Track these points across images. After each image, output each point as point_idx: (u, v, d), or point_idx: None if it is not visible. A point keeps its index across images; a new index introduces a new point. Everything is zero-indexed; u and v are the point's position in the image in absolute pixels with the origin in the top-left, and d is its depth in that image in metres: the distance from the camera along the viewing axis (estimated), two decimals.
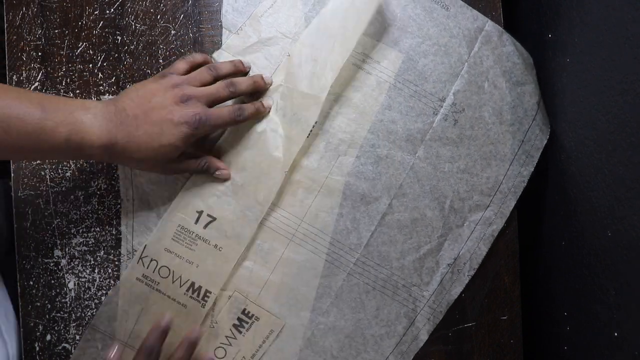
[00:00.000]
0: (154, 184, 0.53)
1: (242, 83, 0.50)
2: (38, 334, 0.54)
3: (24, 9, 0.54)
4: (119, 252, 0.54)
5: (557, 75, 0.53)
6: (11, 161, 0.54)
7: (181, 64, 0.50)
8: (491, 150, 0.53)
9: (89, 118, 0.44)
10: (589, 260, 0.48)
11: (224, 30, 0.55)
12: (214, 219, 0.52)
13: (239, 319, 0.53)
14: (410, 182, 0.53)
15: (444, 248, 0.53)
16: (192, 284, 0.52)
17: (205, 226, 0.52)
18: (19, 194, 0.54)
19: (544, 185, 0.55)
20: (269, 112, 0.52)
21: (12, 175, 0.54)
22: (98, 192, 0.54)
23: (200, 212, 0.52)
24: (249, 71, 0.53)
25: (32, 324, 0.54)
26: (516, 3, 0.62)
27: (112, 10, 0.55)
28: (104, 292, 0.54)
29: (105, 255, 0.54)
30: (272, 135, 0.52)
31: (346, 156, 0.53)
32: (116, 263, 0.54)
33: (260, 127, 0.52)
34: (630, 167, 0.41)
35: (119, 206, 0.54)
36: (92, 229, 0.54)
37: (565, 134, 0.52)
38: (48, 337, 0.54)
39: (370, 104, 0.54)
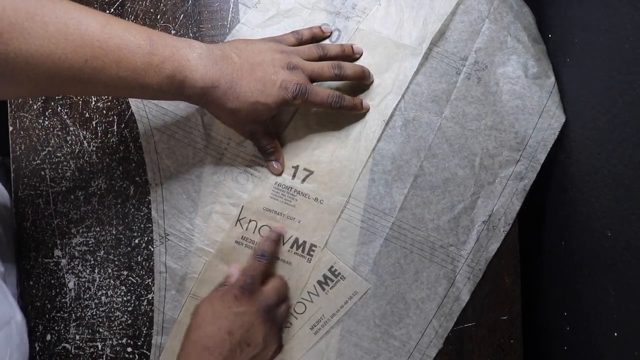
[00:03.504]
0: (180, 165, 0.53)
1: (349, 68, 0.50)
2: (38, 334, 0.54)
3: None
4: (119, 251, 0.54)
5: (557, 75, 0.53)
6: (11, 159, 0.54)
7: (290, 37, 0.51)
8: (518, 105, 0.52)
9: (194, 57, 0.43)
10: (589, 260, 0.48)
11: (240, 6, 0.55)
12: (311, 172, 0.52)
13: (324, 276, 0.52)
14: (439, 143, 0.53)
15: (477, 205, 0.53)
16: (296, 239, 0.52)
17: (303, 180, 0.52)
18: (19, 194, 0.54)
19: (544, 185, 0.55)
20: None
21: (12, 175, 0.54)
22: (98, 192, 0.54)
23: (296, 167, 0.53)
24: (359, 57, 0.53)
25: (32, 324, 0.54)
26: None
27: (112, 10, 0.55)
28: (104, 292, 0.54)
29: (105, 255, 0.54)
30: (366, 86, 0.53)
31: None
32: (116, 263, 0.54)
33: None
34: (630, 167, 0.41)
35: (119, 206, 0.54)
36: (92, 229, 0.54)
37: (565, 133, 0.52)
38: (48, 337, 0.54)
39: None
